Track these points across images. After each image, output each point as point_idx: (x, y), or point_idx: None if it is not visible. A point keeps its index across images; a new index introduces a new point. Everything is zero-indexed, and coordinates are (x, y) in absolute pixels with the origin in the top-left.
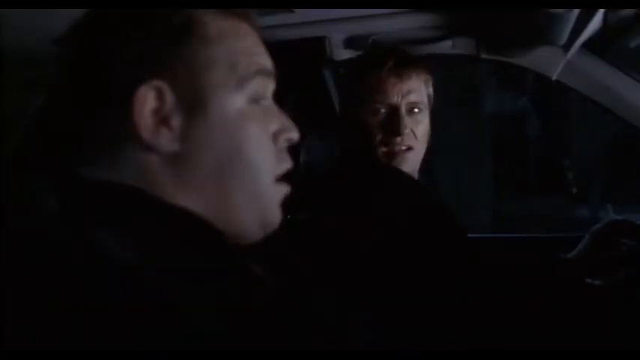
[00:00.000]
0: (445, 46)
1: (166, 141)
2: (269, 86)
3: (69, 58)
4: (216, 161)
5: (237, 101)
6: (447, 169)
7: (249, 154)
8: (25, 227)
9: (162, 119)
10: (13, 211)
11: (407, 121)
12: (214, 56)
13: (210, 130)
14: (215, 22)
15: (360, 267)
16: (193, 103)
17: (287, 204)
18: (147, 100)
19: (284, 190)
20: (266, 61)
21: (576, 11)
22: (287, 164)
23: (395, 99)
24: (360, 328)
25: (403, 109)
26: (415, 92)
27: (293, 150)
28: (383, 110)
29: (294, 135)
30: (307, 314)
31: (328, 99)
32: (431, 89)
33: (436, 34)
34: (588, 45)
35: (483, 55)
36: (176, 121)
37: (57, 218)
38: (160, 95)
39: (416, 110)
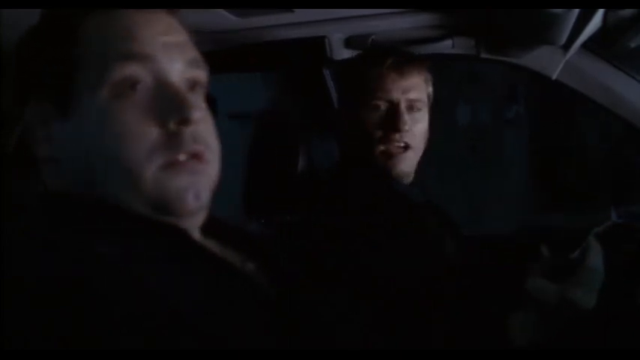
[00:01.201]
0: (445, 46)
1: (48, 150)
2: (148, 69)
3: None
4: (88, 160)
5: (97, 98)
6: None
7: (123, 145)
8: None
9: (48, 135)
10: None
11: (406, 118)
12: (82, 56)
13: (77, 131)
14: (88, 22)
15: (344, 270)
16: (65, 107)
17: (286, 204)
18: (35, 120)
19: (190, 166)
20: (137, 44)
21: (576, 11)
22: (179, 149)
23: (395, 95)
24: (349, 327)
25: (403, 106)
26: (415, 90)
27: (293, 150)
28: (383, 107)
29: (185, 114)
30: (294, 311)
31: (328, 99)
32: (431, 88)
33: (436, 33)
34: (588, 45)
35: (483, 55)
36: (56, 130)
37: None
38: (45, 112)
39: (415, 108)
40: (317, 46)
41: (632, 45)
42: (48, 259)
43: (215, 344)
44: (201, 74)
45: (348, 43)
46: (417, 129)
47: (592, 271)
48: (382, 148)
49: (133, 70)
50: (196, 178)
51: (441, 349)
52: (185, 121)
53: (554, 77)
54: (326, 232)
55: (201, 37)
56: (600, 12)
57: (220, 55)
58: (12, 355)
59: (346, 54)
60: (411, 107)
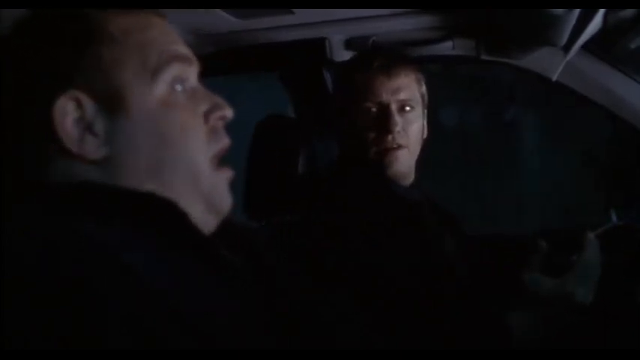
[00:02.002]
0: (445, 48)
1: (94, 147)
2: (190, 70)
3: None
4: (148, 156)
5: (155, 93)
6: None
7: (179, 140)
8: (25, 226)
9: (85, 127)
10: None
11: (397, 119)
12: (121, 55)
13: (134, 127)
14: (116, 22)
15: (343, 269)
16: (112, 104)
17: (286, 204)
18: (66, 111)
19: (226, 174)
20: (179, 47)
21: (576, 12)
22: (222, 142)
23: (384, 97)
24: (348, 327)
25: (394, 107)
26: (405, 90)
27: (293, 151)
28: (374, 109)
29: (227, 112)
30: (293, 310)
31: (328, 100)
32: (424, 88)
33: (436, 35)
34: (588, 46)
35: (483, 57)
36: (100, 126)
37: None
38: (79, 104)
39: (407, 108)
40: (317, 47)
41: (633, 46)
42: (49, 253)
43: (213, 343)
44: None
45: (349, 44)
46: (410, 129)
47: (589, 266)
48: (375, 149)
49: (181, 70)
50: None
51: (441, 349)
52: (224, 117)
53: (554, 78)
54: (325, 232)
55: (202, 39)
56: (601, 13)
57: (220, 57)
58: (12, 355)
59: (347, 55)
60: (402, 108)
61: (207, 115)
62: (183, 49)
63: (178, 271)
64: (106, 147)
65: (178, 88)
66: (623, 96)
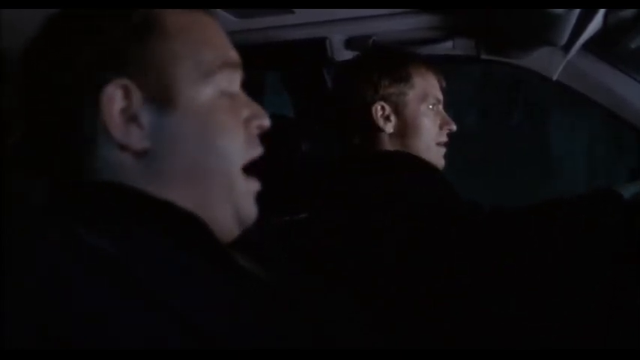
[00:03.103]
0: (446, 47)
1: (137, 138)
2: (236, 76)
3: (36, 64)
4: (189, 154)
5: (205, 94)
6: None
7: (221, 142)
8: (24, 226)
9: (131, 117)
10: (12, 211)
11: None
12: (177, 51)
13: (180, 124)
14: (174, 18)
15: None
16: (161, 99)
17: (286, 204)
18: (115, 99)
19: (254, 184)
20: (231, 53)
21: (576, 11)
22: (257, 150)
23: (440, 96)
24: (349, 326)
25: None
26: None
27: (293, 150)
28: (434, 107)
29: (265, 121)
30: (296, 310)
31: (329, 100)
32: None
33: (436, 34)
34: (588, 45)
35: (484, 56)
36: (146, 118)
37: (41, 216)
38: (127, 93)
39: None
40: (318, 47)
41: (633, 45)
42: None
43: (210, 337)
44: None
45: (349, 44)
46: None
47: None
48: (438, 144)
49: (230, 75)
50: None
51: (441, 349)
52: (262, 126)
53: (554, 78)
54: (326, 231)
55: None
56: (601, 12)
57: None
58: (12, 355)
59: (347, 55)
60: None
61: (247, 122)
62: (235, 55)
63: (194, 285)
64: (149, 140)
65: (225, 92)
66: (624, 95)
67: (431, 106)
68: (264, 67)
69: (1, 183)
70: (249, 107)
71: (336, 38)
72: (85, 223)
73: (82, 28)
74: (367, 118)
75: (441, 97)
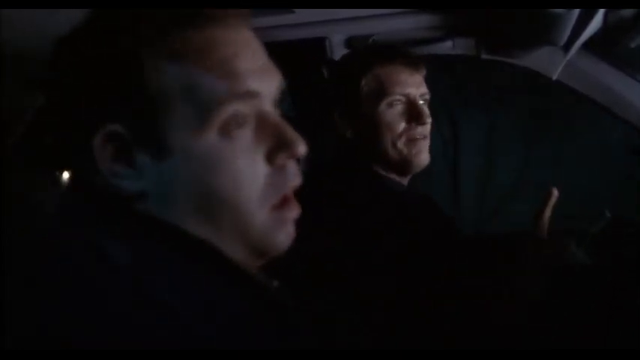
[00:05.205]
0: (445, 47)
1: (131, 181)
2: (253, 105)
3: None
4: (192, 200)
5: (203, 137)
6: None
7: (229, 191)
8: (24, 225)
9: (125, 160)
10: (12, 210)
11: (425, 110)
12: (167, 90)
13: (177, 170)
14: (168, 43)
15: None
16: (153, 143)
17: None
18: (106, 146)
19: (289, 213)
20: (239, 81)
21: (576, 11)
22: (289, 186)
23: (411, 90)
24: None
25: (418, 100)
26: (424, 84)
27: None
28: (401, 101)
29: (296, 150)
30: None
31: (328, 99)
32: None
33: (436, 34)
34: (589, 45)
35: (484, 56)
36: (141, 161)
37: (55, 218)
38: (119, 138)
39: (423, 102)
40: (318, 46)
41: (633, 45)
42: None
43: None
44: (281, 90)
45: (349, 43)
46: (429, 121)
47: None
48: (405, 140)
49: (239, 107)
50: (293, 220)
51: (441, 350)
52: (295, 155)
53: (554, 78)
54: (327, 231)
55: None
56: (601, 12)
57: None
58: (12, 355)
59: None
60: (423, 101)
61: (272, 156)
62: (245, 83)
63: (202, 297)
64: (144, 182)
65: (233, 131)
66: (624, 95)
67: (396, 102)
68: None
69: (1, 183)
70: (274, 136)
71: (336, 38)
72: (102, 232)
73: (77, 73)
74: (333, 122)
75: (409, 90)
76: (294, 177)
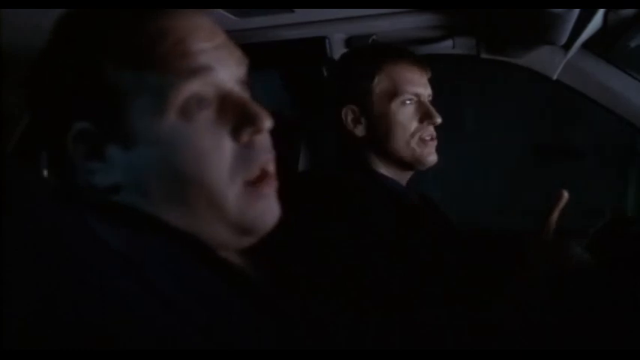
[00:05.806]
0: (445, 47)
1: (103, 174)
2: (215, 77)
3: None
4: (163, 186)
5: (164, 119)
6: None
7: (196, 168)
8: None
9: (97, 156)
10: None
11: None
12: (126, 83)
13: (145, 157)
14: (124, 39)
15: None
16: (120, 134)
17: (286, 203)
18: (78, 144)
19: (266, 188)
20: (194, 58)
21: (576, 11)
22: (260, 160)
23: (421, 90)
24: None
25: (427, 100)
26: (429, 84)
27: (293, 150)
28: (412, 101)
29: (261, 124)
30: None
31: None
32: None
33: (436, 34)
34: (588, 45)
35: (484, 56)
36: (112, 154)
37: (47, 206)
38: (89, 135)
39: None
40: (317, 46)
41: (633, 45)
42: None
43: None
44: (245, 70)
45: (349, 43)
46: (439, 121)
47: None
48: (417, 139)
49: (196, 88)
50: (273, 194)
51: (441, 349)
52: (260, 130)
53: (554, 77)
54: (325, 234)
55: None
56: (601, 12)
57: None
58: (12, 355)
59: None
60: (430, 101)
61: (236, 132)
62: (200, 60)
63: (192, 288)
64: (117, 175)
65: (196, 106)
66: (623, 94)
67: (408, 102)
68: (263, 67)
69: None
70: (237, 112)
71: (336, 37)
72: (98, 220)
73: (52, 69)
74: (340, 122)
75: (420, 90)
76: (264, 152)
